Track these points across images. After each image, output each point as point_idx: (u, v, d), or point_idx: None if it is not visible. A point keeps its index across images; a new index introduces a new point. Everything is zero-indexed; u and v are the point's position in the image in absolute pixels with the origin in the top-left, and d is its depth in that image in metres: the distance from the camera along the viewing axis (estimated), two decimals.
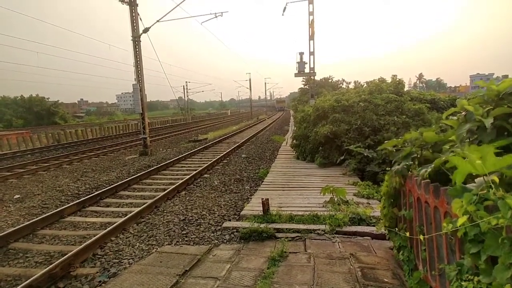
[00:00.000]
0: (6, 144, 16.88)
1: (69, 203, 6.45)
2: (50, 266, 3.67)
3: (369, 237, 4.19)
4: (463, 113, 2.33)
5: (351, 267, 3.36)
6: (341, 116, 9.48)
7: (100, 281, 3.55)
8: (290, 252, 3.82)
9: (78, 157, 13.37)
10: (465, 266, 1.86)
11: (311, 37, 17.85)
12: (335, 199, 5.46)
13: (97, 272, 3.76)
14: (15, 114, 48.23)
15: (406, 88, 12.13)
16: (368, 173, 7.74)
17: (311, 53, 18.05)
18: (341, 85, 38.07)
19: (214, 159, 11.07)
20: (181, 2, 14.03)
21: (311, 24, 17.81)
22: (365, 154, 7.82)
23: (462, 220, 1.72)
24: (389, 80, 12.00)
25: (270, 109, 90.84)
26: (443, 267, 2.19)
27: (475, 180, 1.81)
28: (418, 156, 2.78)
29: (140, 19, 13.82)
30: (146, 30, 14.04)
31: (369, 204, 5.44)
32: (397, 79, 11.65)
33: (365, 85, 12.88)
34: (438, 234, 2.35)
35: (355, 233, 4.32)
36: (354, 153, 8.19)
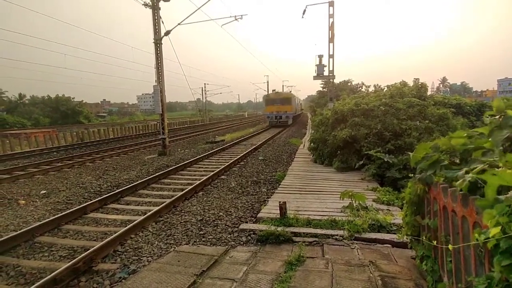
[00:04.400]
0: (34, 142, 17.70)
1: (91, 200, 6.67)
2: (74, 260, 3.80)
3: (389, 245, 4.07)
4: (498, 117, 2.20)
5: (371, 275, 3.27)
6: (360, 120, 9.30)
7: (120, 277, 3.64)
8: (307, 257, 3.77)
9: (100, 156, 13.83)
10: (495, 279, 1.77)
11: (331, 40, 17.66)
12: (354, 204, 5.35)
13: (117, 268, 3.86)
14: (42, 113, 50.61)
15: (429, 92, 11.77)
16: (388, 178, 7.53)
17: (331, 56, 17.85)
18: (360, 88, 37.42)
19: (231, 161, 11.13)
20: (202, 5, 14.25)
21: (331, 27, 17.63)
22: (385, 159, 7.63)
23: (494, 231, 1.64)
24: (411, 83, 11.69)
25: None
26: (472, 279, 2.09)
27: (510, 192, 1.73)
28: (446, 164, 2.66)
29: (162, 22, 14.18)
30: (167, 33, 14.37)
31: (389, 210, 5.29)
32: (420, 83, 11.33)
33: (386, 88, 12.58)
34: (466, 245, 2.25)
35: (374, 240, 4.20)
36: (374, 158, 8.00)
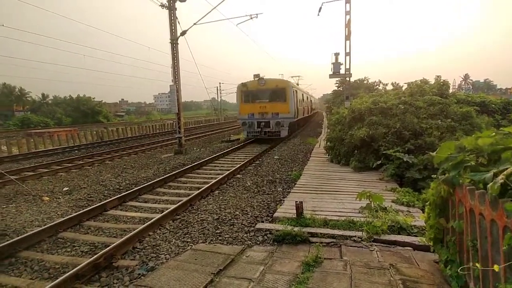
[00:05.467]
0: (57, 140, 18.38)
1: (111, 197, 6.83)
2: (95, 256, 3.90)
3: (410, 248, 3.95)
4: None
5: (392, 278, 3.18)
6: (378, 118, 9.08)
7: (139, 274, 3.71)
8: (325, 258, 3.72)
9: (118, 154, 14.18)
10: None
11: (347, 37, 17.34)
12: (372, 205, 5.22)
13: (136, 265, 3.93)
14: (64, 112, 52.44)
15: (450, 90, 11.35)
16: (408, 179, 7.32)
17: (347, 54, 17.53)
18: (377, 86, 36.58)
19: (247, 160, 11.15)
20: (217, 5, 14.31)
21: (348, 24, 17.31)
22: (405, 159, 7.42)
23: None
24: (431, 82, 11.30)
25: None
26: (502, 287, 1.99)
27: None
28: (473, 164, 2.55)
29: (178, 22, 14.35)
30: (183, 33, 14.54)
31: (410, 212, 5.13)
32: (441, 80, 10.93)
33: (405, 86, 12.22)
34: (494, 250, 2.15)
35: (394, 243, 4.09)
36: (392, 157, 7.80)
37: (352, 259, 3.70)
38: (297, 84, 29.72)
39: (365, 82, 39.04)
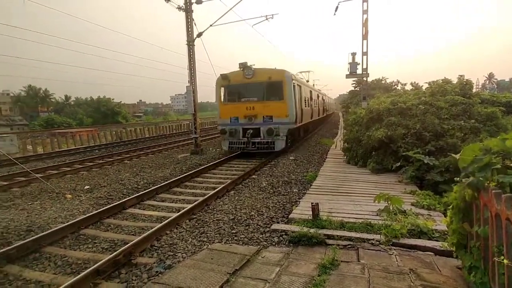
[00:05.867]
0: (79, 140, 19.06)
1: (129, 196, 7.01)
2: (115, 253, 4.01)
3: (431, 253, 3.82)
4: None
5: (412, 284, 3.09)
6: (397, 119, 8.86)
7: (157, 272, 3.78)
8: (341, 261, 3.66)
9: (136, 154, 14.53)
10: None
11: (365, 37, 17.00)
12: (391, 208, 5.10)
13: (154, 263, 4.01)
14: (85, 113, 54.29)
15: (473, 90, 10.92)
16: (428, 181, 7.09)
17: (364, 53, 17.17)
18: (395, 86, 35.67)
19: (262, 161, 11.14)
20: (234, 6, 14.39)
21: (365, 23, 16.98)
22: (426, 161, 7.19)
23: None
24: (453, 81, 10.91)
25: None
26: None
27: None
28: (499, 167, 2.44)
29: (195, 24, 14.55)
30: (199, 35, 14.71)
31: (430, 215, 4.97)
32: (464, 80, 10.54)
33: (426, 86, 11.87)
34: None
35: (414, 247, 3.97)
36: (412, 159, 7.59)
37: (370, 262, 3.62)
38: (309, 82, 23.50)
39: (382, 82, 38.20)
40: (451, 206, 3.15)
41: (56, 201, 7.21)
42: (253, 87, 12.96)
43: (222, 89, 13.49)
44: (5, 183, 8.93)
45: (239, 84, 13.15)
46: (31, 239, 4.61)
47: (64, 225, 5.20)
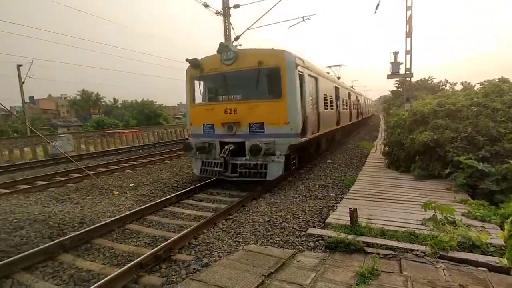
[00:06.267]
0: (125, 140, 20.45)
1: (170, 195, 7.34)
2: (156, 248, 4.23)
3: (485, 269, 3.49)
4: None
5: None
6: (445, 122, 8.24)
7: (194, 269, 3.91)
8: (382, 271, 3.49)
9: (176, 154, 15.17)
10: None
11: (408, 35, 16.15)
12: (438, 217, 4.75)
13: (192, 260, 4.15)
14: (131, 115, 58.02)
15: None
16: (482, 190, 6.49)
17: (408, 52, 16.33)
18: (443, 86, 33.22)
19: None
20: (271, 8, 14.48)
21: (409, 20, 16.12)
22: (479, 168, 6.59)
23: None
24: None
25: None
26: None
27: None
28: None
29: (232, 28, 14.89)
30: (237, 38, 15.01)
31: (484, 228, 4.54)
32: None
33: (478, 86, 10.88)
34: None
35: (465, 261, 3.65)
36: (463, 165, 7.00)
37: (413, 275, 3.40)
38: (339, 78, 18.46)
39: (429, 82, 35.83)
40: (510, 220, 2.85)
41: (105, 196, 7.78)
42: (235, 78, 8.44)
43: (193, 82, 8.89)
44: (62, 179, 9.85)
45: (215, 74, 8.50)
46: (83, 230, 5.03)
47: (112, 219, 5.60)
